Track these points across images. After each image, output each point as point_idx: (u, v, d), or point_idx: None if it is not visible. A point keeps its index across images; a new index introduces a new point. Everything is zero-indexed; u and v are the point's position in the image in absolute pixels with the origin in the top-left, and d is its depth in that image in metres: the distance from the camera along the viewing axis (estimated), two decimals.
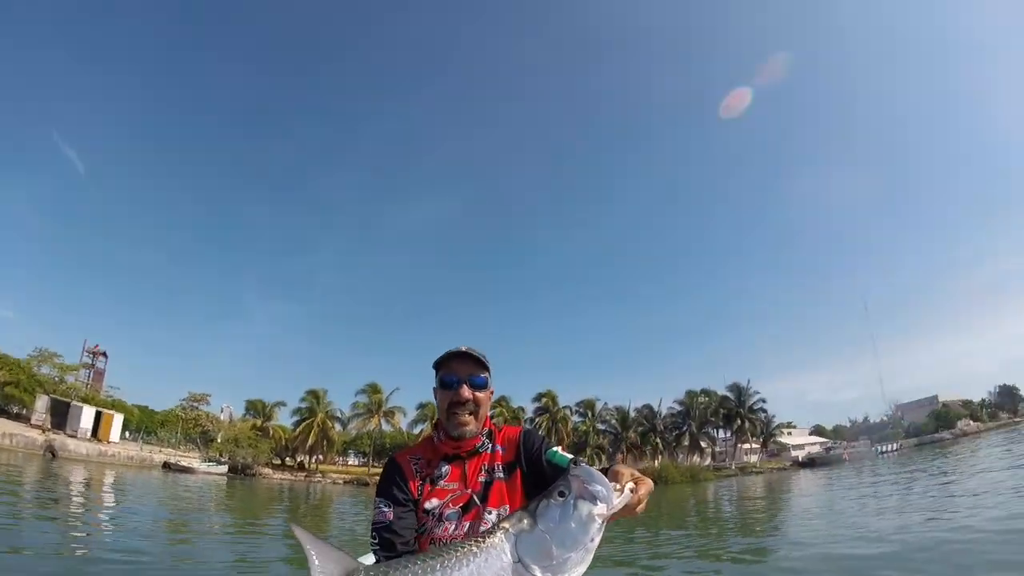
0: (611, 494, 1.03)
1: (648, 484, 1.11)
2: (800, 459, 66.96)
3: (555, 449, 1.49)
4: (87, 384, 46.74)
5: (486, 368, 1.55)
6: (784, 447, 71.31)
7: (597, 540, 1.01)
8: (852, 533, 9.53)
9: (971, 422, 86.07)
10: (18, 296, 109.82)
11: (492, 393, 1.60)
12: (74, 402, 37.68)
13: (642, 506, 1.10)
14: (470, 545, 1.02)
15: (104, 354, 52.55)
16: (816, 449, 73.61)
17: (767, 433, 65.59)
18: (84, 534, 9.59)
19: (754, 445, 67.04)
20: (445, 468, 1.52)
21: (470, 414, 1.50)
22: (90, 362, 50.15)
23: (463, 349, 1.54)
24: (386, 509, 1.44)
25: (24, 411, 36.41)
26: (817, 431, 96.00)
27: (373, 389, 52.38)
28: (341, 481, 46.14)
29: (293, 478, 45.16)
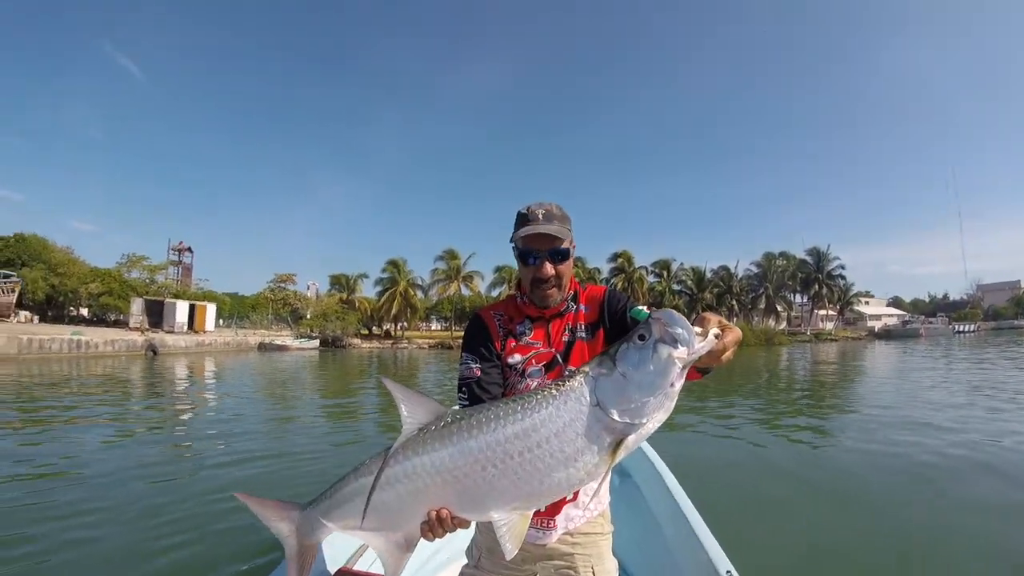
0: (693, 338, 0.96)
1: (736, 332, 1.03)
2: (876, 330, 64.54)
3: (640, 308, 1.40)
4: (177, 281, 50.60)
5: (567, 234, 1.41)
6: (860, 316, 68.15)
7: (678, 385, 0.97)
8: (915, 416, 9.11)
9: None
10: (97, 209, 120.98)
11: (575, 249, 1.48)
12: (167, 299, 40.46)
13: (729, 354, 1.02)
14: (550, 388, 1.03)
15: (189, 249, 56.11)
16: (893, 321, 70.88)
17: (844, 301, 61.15)
18: (191, 416, 10.54)
19: (830, 312, 63.29)
20: (528, 326, 1.49)
21: (554, 287, 1.44)
22: (177, 259, 53.92)
23: (539, 219, 1.38)
24: (473, 365, 1.43)
25: (121, 317, 39.76)
26: (895, 303, 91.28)
27: (451, 255, 52.51)
28: (426, 346, 47.97)
29: (381, 346, 47.60)
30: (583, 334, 1.47)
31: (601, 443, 0.96)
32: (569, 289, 1.49)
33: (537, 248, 1.39)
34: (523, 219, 1.40)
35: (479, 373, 1.41)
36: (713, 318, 1.01)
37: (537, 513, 1.29)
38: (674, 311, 0.98)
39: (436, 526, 1.01)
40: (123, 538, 3.96)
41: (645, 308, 1.37)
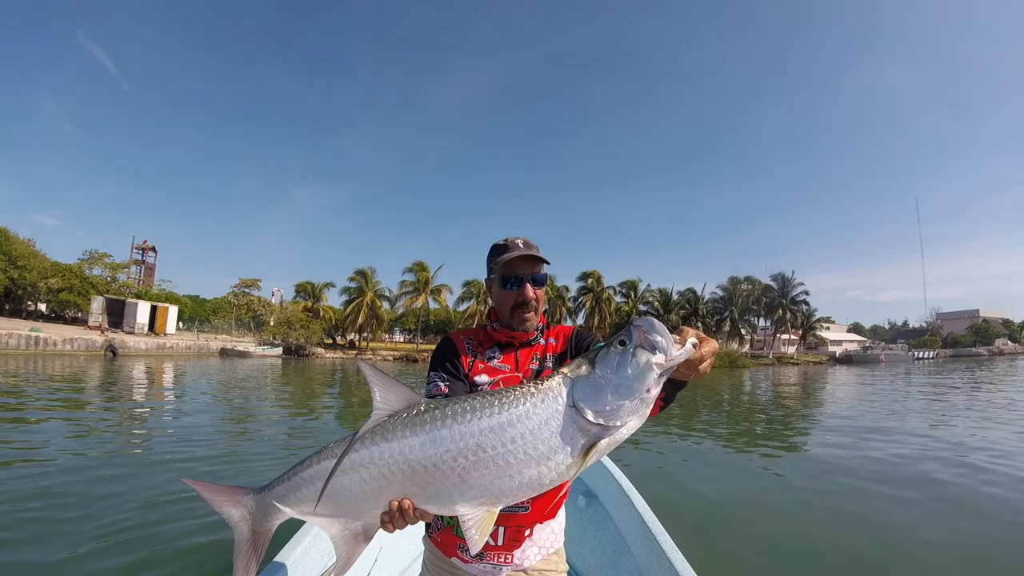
0: (671, 346, 0.99)
1: (712, 344, 1.05)
2: (837, 355, 66.95)
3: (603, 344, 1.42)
4: (139, 280, 49.43)
5: (545, 261, 1.51)
6: (822, 341, 71.10)
7: (655, 392, 0.99)
8: (872, 439, 9.38)
9: (1009, 342, 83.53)
10: (62, 202, 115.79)
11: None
12: (128, 299, 39.68)
13: (706, 365, 1.04)
14: (528, 386, 1.03)
15: (153, 249, 54.98)
16: (853, 347, 73.86)
17: (807, 326, 64.35)
18: (149, 420, 10.39)
19: (793, 336, 66.62)
20: (497, 352, 1.54)
21: (533, 311, 1.51)
22: (140, 258, 52.70)
23: (520, 247, 1.47)
24: (441, 384, 1.45)
25: (80, 314, 38.79)
26: (855, 329, 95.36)
27: (420, 267, 52.80)
28: (391, 358, 48.36)
29: (344, 356, 47.72)
30: (550, 364, 1.52)
31: (575, 444, 0.97)
32: (540, 321, 1.55)
33: (520, 272, 1.46)
34: (503, 248, 1.48)
35: (446, 390, 1.42)
36: (690, 330, 1.04)
37: (495, 548, 1.40)
38: (654, 319, 1.00)
39: (397, 517, 0.99)
40: (64, 535, 3.94)
41: None
